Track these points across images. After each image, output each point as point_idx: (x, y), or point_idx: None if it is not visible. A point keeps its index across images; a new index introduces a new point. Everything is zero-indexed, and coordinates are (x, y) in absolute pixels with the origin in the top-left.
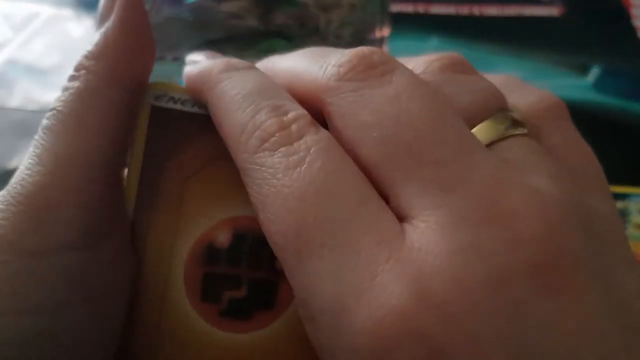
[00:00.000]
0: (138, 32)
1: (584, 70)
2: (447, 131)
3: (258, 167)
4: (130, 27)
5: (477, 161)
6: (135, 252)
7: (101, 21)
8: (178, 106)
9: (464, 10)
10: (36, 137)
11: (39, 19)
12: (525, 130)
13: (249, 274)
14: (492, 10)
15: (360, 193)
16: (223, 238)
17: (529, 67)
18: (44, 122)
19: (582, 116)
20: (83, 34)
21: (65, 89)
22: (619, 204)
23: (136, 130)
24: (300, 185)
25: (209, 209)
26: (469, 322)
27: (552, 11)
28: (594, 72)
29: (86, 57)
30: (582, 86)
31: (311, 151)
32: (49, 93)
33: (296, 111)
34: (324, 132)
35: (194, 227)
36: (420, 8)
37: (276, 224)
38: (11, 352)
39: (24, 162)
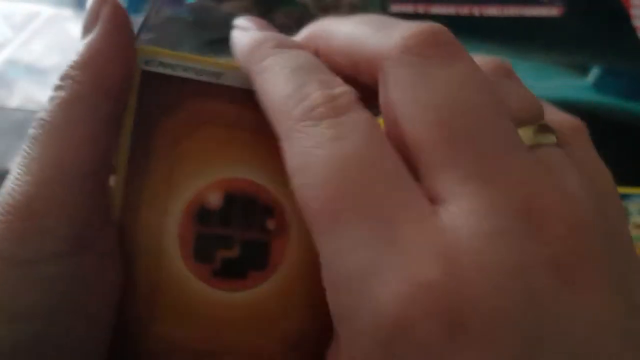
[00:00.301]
0: (122, 42)
1: (583, 70)
2: (498, 126)
3: (301, 135)
4: (114, 38)
5: (519, 159)
6: (131, 217)
7: (85, 31)
8: (168, 71)
9: (464, 10)
10: (24, 146)
11: (39, 19)
12: (556, 141)
13: (241, 235)
14: (492, 11)
15: (397, 171)
16: (214, 199)
17: (529, 67)
18: (31, 131)
19: (582, 116)
20: None
21: (51, 99)
22: None
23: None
24: (342, 157)
25: (200, 171)
26: (489, 303)
27: (552, 11)
28: (594, 72)
29: (72, 67)
30: (582, 86)
31: (354, 127)
32: (49, 93)
33: (343, 87)
34: (367, 112)
35: (186, 189)
36: (421, 8)
37: (314, 190)
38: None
39: (13, 171)
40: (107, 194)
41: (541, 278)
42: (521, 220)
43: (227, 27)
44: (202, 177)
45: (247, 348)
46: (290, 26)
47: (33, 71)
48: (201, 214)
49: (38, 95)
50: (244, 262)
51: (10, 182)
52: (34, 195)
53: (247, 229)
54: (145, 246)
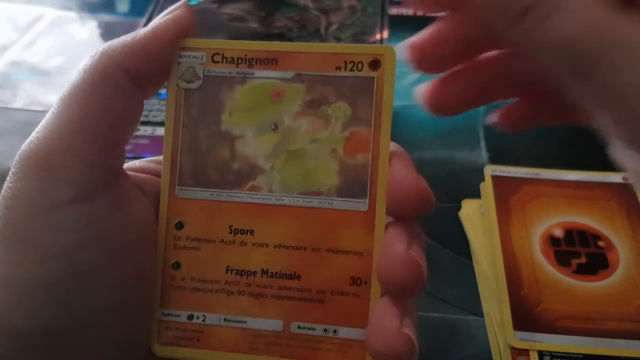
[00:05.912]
0: (163, 42)
1: None
2: None
3: None
4: (158, 38)
5: None
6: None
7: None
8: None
9: None
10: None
11: (43, 21)
12: None
13: (584, 250)
14: None
15: None
16: (558, 233)
17: None
18: (61, 93)
19: None
20: (87, 36)
21: (83, 65)
22: None
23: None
24: None
25: (542, 219)
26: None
27: None
28: None
29: (109, 45)
30: None
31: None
32: (53, 94)
33: None
34: None
35: (538, 228)
36: (419, 11)
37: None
38: (42, 296)
39: (37, 127)
40: (119, 152)
41: None
42: None
43: (229, 29)
44: (546, 221)
45: (608, 315)
46: (291, 28)
47: (37, 73)
48: (552, 240)
49: (42, 96)
50: (591, 266)
51: (32, 135)
52: (50, 149)
53: (587, 247)
54: (524, 260)
